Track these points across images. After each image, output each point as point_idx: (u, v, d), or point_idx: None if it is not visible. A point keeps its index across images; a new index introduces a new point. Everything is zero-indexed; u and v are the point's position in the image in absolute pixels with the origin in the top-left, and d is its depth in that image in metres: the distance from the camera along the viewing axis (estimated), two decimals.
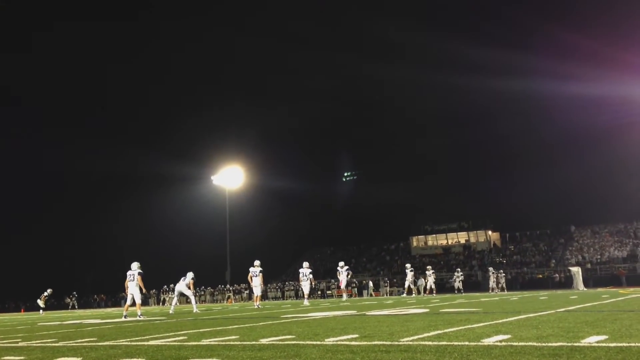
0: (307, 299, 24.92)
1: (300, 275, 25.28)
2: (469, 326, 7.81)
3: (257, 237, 60.24)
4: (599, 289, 32.39)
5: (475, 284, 46.43)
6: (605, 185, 56.28)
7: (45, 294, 37.23)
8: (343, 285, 28.85)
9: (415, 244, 65.54)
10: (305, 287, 24.79)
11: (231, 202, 53.36)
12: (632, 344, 5.17)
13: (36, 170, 64.23)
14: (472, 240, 62.88)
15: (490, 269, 40.93)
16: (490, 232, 62.54)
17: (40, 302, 36.43)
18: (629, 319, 7.95)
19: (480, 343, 5.76)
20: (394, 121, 76.95)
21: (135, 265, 18.35)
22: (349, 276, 29.47)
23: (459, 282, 38.07)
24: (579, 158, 61.15)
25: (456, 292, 37.20)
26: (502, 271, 40.54)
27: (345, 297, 28.50)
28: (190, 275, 22.00)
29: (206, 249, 54.87)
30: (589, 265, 47.89)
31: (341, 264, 29.09)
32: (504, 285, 39.16)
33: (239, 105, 77.35)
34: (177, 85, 78.39)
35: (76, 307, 45.01)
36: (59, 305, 44.70)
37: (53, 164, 63.50)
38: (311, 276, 25.20)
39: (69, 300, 46.02)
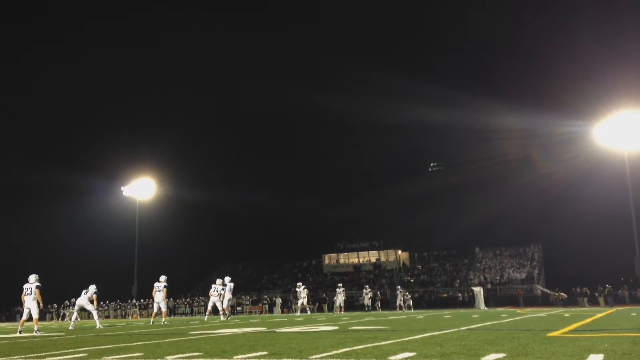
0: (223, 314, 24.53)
1: (212, 290, 24.94)
2: (377, 344, 7.95)
3: (167, 251, 58.66)
4: (499, 309, 33.94)
5: (384, 303, 47.40)
6: (507, 210, 59.41)
7: None
8: (225, 304, 24.74)
9: (327, 261, 66.03)
10: (217, 302, 24.44)
11: (142, 215, 51.72)
12: None
13: None
14: (383, 259, 64.14)
15: (398, 287, 41.96)
16: (399, 252, 64.07)
17: None
18: (525, 338, 8.39)
19: None
20: (310, 139, 77.88)
21: (32, 278, 17.32)
22: (230, 291, 26.41)
23: (368, 299, 38.73)
24: (485, 185, 64.26)
25: (366, 309, 37.79)
26: (407, 293, 41.59)
27: (222, 317, 24.47)
28: (92, 288, 21.01)
29: (113, 262, 52.77)
30: (489, 286, 50.13)
31: (227, 279, 25.67)
32: (411, 304, 40.22)
33: (152, 118, 75.67)
34: (87, 101, 75.52)
35: None
36: None
37: None
38: (222, 291, 24.84)
39: None
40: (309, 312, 33.45)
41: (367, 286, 42.45)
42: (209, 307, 25.12)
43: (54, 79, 74.97)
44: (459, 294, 48.38)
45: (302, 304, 33.10)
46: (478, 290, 39.85)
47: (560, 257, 56.15)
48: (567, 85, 59.69)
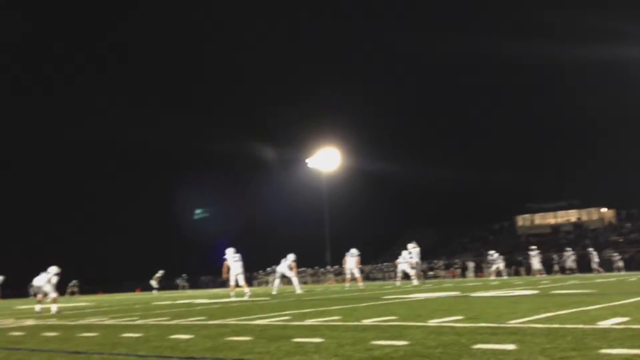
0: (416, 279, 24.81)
1: (400, 257, 25.36)
2: (583, 308, 7.42)
3: (355, 219, 60.46)
4: None
5: (587, 266, 44.02)
6: None
7: (158, 275, 39.51)
8: (415, 269, 24.97)
9: (520, 223, 63.27)
10: (407, 268, 24.79)
11: (328, 184, 53.88)
12: None
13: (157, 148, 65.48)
14: (584, 218, 59.81)
15: (590, 250, 38.41)
16: (603, 210, 59.15)
17: (153, 283, 38.78)
18: None
19: (595, 326, 5.45)
20: (499, 97, 74.12)
21: (232, 250, 19.42)
22: (418, 255, 25.50)
23: (571, 262, 36.25)
24: None
25: (567, 272, 35.48)
26: (616, 254, 38.09)
27: (415, 282, 24.33)
28: (291, 256, 22.44)
29: (305, 231, 55.73)
30: None
31: (411, 245, 26.00)
32: (621, 265, 36.84)
33: (336, 87, 77.31)
34: (268, 70, 78.75)
35: (187, 287, 47.30)
36: (169, 286, 47.02)
37: (146, 139, 64.65)
38: (410, 258, 25.06)
39: (179, 281, 48.48)
40: (504, 277, 32.37)
41: (569, 248, 39.70)
42: (399, 273, 25.46)
43: (239, 51, 78.67)
44: None
45: (497, 268, 32.20)
46: None
47: None
48: None
